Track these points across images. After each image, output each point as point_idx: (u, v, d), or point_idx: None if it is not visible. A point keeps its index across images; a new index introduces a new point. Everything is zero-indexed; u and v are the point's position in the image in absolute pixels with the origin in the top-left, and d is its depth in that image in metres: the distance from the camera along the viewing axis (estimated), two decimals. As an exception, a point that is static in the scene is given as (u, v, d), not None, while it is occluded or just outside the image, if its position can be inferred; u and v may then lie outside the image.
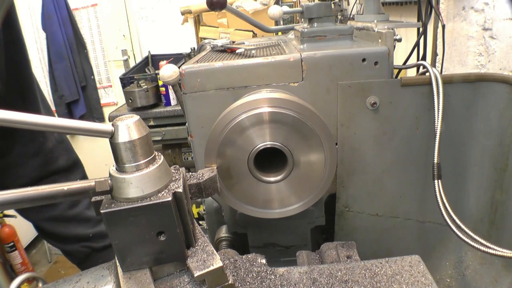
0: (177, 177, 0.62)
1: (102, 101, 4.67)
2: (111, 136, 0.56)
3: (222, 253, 0.86)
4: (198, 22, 4.08)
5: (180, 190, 0.58)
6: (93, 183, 0.56)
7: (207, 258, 0.62)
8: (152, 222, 0.57)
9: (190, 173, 0.74)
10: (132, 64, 4.35)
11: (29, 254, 3.95)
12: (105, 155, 4.61)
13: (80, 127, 0.54)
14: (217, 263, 0.61)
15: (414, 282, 0.69)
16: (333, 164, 0.89)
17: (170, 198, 0.56)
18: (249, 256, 0.79)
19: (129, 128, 0.56)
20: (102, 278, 0.66)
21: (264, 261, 0.77)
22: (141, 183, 0.56)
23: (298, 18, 3.60)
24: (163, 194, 0.57)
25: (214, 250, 0.64)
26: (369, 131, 1.03)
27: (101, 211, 0.54)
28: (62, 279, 0.68)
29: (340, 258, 0.88)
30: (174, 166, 0.66)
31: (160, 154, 0.62)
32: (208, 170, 0.77)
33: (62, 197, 0.55)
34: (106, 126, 0.56)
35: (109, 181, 0.57)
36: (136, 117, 0.58)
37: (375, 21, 1.18)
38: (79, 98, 4.49)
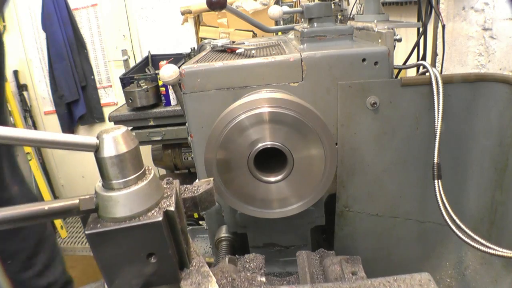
0: (169, 193, 0.57)
1: (102, 101, 4.66)
2: (96, 150, 0.51)
3: (220, 270, 0.82)
4: (198, 22, 4.08)
5: (172, 208, 0.54)
6: (76, 201, 0.51)
7: (202, 281, 0.58)
8: (141, 243, 0.52)
9: (185, 186, 0.71)
10: (132, 64, 4.34)
11: (29, 254, 3.94)
12: (105, 155, 4.61)
13: (61, 141, 0.49)
14: (213, 285, 0.57)
15: (425, 303, 0.63)
16: (333, 164, 0.89)
17: (160, 218, 0.52)
18: (248, 275, 0.76)
19: (116, 141, 0.51)
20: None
21: (263, 279, 0.73)
22: (129, 202, 0.51)
23: (298, 18, 3.60)
24: (153, 213, 0.53)
25: (210, 272, 0.60)
26: (369, 131, 1.03)
27: (86, 233, 0.50)
28: None
29: (345, 275, 0.83)
30: (167, 179, 0.62)
31: (150, 168, 0.57)
32: (204, 182, 0.72)
33: (43, 217, 0.50)
34: (90, 139, 0.51)
35: (95, 198, 0.52)
36: (123, 128, 0.53)
37: (375, 21, 1.18)
38: (79, 98, 4.48)
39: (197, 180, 0.80)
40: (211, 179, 0.72)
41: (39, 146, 0.49)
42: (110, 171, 0.51)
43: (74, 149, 0.51)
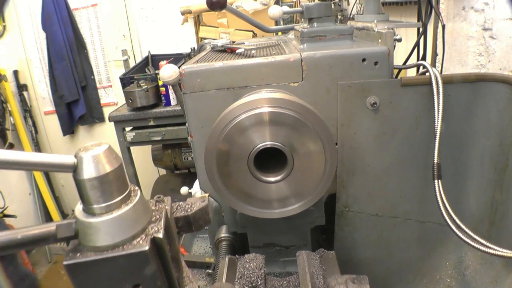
0: (157, 216, 0.52)
1: (102, 101, 4.66)
2: (74, 170, 0.45)
3: None
4: (198, 22, 4.08)
5: (160, 235, 0.48)
6: (53, 228, 0.46)
7: None
8: (126, 274, 0.47)
9: (178, 204, 0.65)
10: (132, 64, 4.34)
11: (29, 254, 3.95)
12: (105, 155, 4.61)
13: (33, 162, 0.44)
14: None
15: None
16: (333, 164, 0.89)
17: (147, 247, 0.46)
18: None
19: (96, 160, 0.45)
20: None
21: None
22: (112, 229, 0.46)
23: (298, 18, 3.60)
24: (139, 240, 0.47)
25: None
26: (369, 131, 1.03)
27: (64, 263, 0.45)
28: None
29: None
30: (158, 197, 0.57)
31: (136, 188, 0.51)
32: (198, 200, 0.67)
33: (15, 247, 0.45)
34: (67, 158, 0.45)
35: (74, 224, 0.47)
36: (104, 145, 0.47)
37: (375, 21, 1.18)
38: (79, 98, 4.48)
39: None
40: (206, 195, 0.68)
41: (10, 168, 0.42)
42: (91, 195, 0.46)
43: (50, 171, 0.44)
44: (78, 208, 0.48)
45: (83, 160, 0.45)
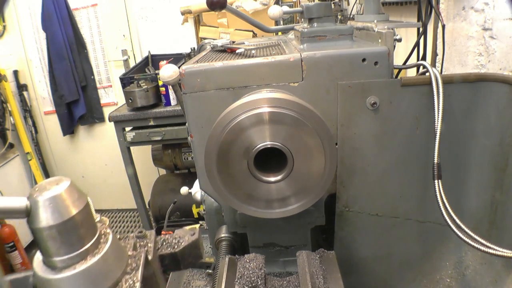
0: (134, 265, 0.42)
1: (102, 101, 4.66)
2: (27, 215, 0.36)
3: None
4: (198, 22, 4.08)
5: None
6: (7, 282, 0.38)
7: None
8: None
9: (163, 238, 0.55)
10: (132, 64, 4.34)
11: (29, 254, 3.95)
12: (105, 155, 4.62)
13: None
14: None
15: None
16: (333, 164, 0.89)
17: None
18: None
19: (55, 204, 0.35)
20: None
21: None
22: (76, 287, 0.37)
23: (298, 18, 3.60)
24: None
25: None
26: (369, 131, 1.03)
27: None
28: None
29: None
30: (139, 232, 0.47)
31: (108, 231, 0.40)
32: (187, 233, 0.58)
33: None
34: (17, 201, 0.36)
35: (31, 278, 0.38)
36: (65, 182, 0.37)
37: (375, 21, 1.18)
38: (79, 98, 4.48)
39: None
40: (197, 227, 0.56)
41: None
42: (49, 246, 0.36)
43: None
44: (38, 257, 0.38)
45: (39, 204, 0.35)
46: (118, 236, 0.47)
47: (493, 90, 0.99)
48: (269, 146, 0.87)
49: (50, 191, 0.36)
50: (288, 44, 1.29)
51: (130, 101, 3.31)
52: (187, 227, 0.58)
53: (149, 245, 0.46)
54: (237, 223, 1.14)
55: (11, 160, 4.26)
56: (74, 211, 0.36)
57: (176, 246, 0.56)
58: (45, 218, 0.35)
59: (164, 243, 0.56)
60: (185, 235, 0.57)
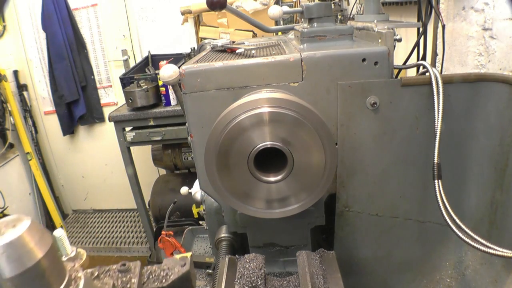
0: None
1: (102, 101, 4.66)
2: None
3: None
4: (198, 22, 4.08)
5: None
6: None
7: None
8: None
9: (149, 270, 0.48)
10: (132, 64, 4.34)
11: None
12: (105, 155, 4.62)
13: None
14: None
15: None
16: (333, 164, 0.89)
17: None
18: None
19: (14, 250, 0.29)
20: None
21: None
22: None
23: (298, 18, 3.60)
24: None
25: None
26: (369, 131, 1.03)
27: None
28: None
29: None
30: (122, 264, 0.41)
31: (79, 275, 0.35)
32: (177, 263, 0.50)
33: None
34: None
35: None
36: (25, 222, 0.31)
37: (375, 21, 1.18)
38: (79, 98, 4.48)
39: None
40: (188, 255, 0.52)
41: None
42: None
43: None
44: None
45: None
46: (97, 273, 0.42)
47: (493, 90, 0.99)
48: (269, 146, 0.87)
49: (6, 235, 0.29)
50: (288, 44, 1.29)
51: (130, 101, 3.30)
52: (177, 256, 0.51)
53: (132, 280, 0.41)
54: (237, 223, 1.14)
55: (11, 160, 4.26)
56: (39, 253, 0.30)
57: (164, 280, 0.48)
58: (3, 269, 0.29)
59: (151, 276, 0.48)
60: (174, 266, 0.49)
